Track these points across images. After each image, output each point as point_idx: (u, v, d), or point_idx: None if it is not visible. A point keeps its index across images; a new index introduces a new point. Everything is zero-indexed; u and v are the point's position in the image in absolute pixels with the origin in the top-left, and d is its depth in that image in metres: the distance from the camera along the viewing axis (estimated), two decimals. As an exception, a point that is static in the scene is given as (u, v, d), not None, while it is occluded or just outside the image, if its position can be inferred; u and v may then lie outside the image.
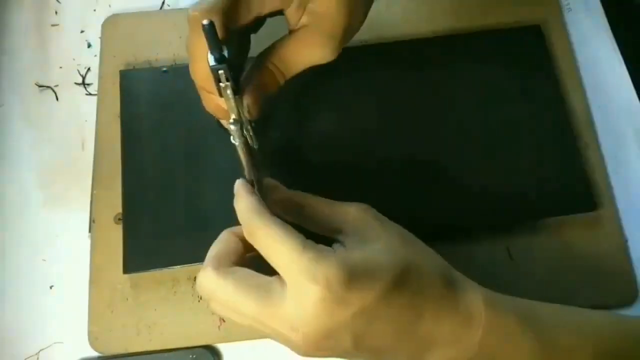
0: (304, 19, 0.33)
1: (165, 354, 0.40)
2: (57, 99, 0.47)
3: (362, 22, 0.35)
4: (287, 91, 0.43)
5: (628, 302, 0.41)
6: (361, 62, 0.46)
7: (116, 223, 0.42)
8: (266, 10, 0.32)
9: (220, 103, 0.33)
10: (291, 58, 0.33)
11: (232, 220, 0.41)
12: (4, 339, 0.41)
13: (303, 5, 0.33)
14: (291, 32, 0.34)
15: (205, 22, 0.26)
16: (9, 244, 0.43)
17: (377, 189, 0.42)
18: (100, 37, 0.48)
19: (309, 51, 0.33)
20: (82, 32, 0.50)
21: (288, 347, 0.31)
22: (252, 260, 0.32)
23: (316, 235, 0.32)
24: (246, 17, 0.32)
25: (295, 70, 0.34)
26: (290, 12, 0.33)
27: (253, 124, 0.32)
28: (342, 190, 0.42)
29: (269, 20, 0.35)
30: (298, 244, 0.28)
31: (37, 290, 0.42)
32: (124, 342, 0.40)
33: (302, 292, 0.27)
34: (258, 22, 0.34)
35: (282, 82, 0.34)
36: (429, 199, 0.42)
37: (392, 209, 0.41)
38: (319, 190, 0.41)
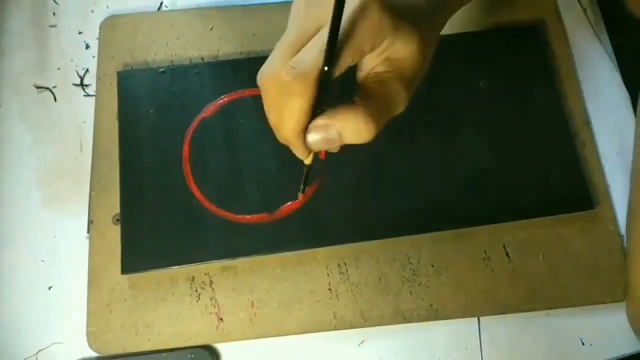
0: (380, 67, 0.31)
1: (164, 354, 0.40)
2: (55, 100, 0.47)
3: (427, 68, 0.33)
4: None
5: (624, 299, 0.41)
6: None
7: (114, 224, 0.42)
8: (355, 60, 0.30)
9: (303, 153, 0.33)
10: (380, 106, 0.31)
11: (229, 220, 0.41)
12: (3, 340, 0.41)
13: (383, 52, 0.30)
14: (367, 81, 0.31)
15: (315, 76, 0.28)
16: (7, 244, 0.43)
17: (376, 188, 0.42)
18: (98, 38, 0.48)
19: (393, 97, 0.31)
20: (80, 33, 0.50)
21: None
22: None
23: None
24: (335, 75, 0.30)
25: (384, 121, 0.31)
26: (369, 60, 0.31)
27: None
28: (344, 188, 0.42)
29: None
30: None
31: (36, 290, 0.42)
32: (122, 342, 0.40)
33: None
34: None
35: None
36: (426, 198, 0.42)
37: (391, 207, 0.42)
38: (322, 187, 0.42)
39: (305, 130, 0.31)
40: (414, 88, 0.32)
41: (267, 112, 0.31)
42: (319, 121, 0.30)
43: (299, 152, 0.33)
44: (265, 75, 0.30)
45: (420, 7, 0.32)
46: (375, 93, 0.31)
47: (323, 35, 0.28)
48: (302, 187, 0.39)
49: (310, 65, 0.28)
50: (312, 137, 0.30)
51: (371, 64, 0.31)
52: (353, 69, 0.31)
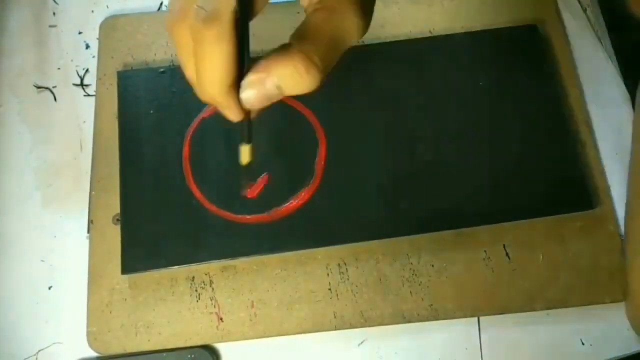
0: None
1: (164, 354, 0.40)
2: (55, 100, 0.47)
3: None
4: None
5: (624, 299, 0.41)
6: (358, 62, 0.46)
7: (114, 224, 0.42)
8: None
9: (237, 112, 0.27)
10: (325, 43, 0.25)
11: (229, 220, 0.41)
12: (3, 340, 0.41)
13: None
14: (309, 10, 0.26)
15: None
16: (7, 244, 0.43)
17: (376, 188, 0.42)
18: (98, 38, 0.48)
19: (342, 27, 0.26)
20: (80, 33, 0.50)
21: None
22: None
23: None
24: (258, 9, 0.26)
25: (332, 60, 0.26)
26: None
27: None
28: (344, 188, 0.42)
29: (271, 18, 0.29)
30: None
31: (36, 290, 0.42)
32: (122, 342, 0.40)
33: None
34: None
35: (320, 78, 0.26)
36: (426, 198, 0.42)
37: (391, 207, 0.42)
38: (322, 187, 0.42)
39: (231, 86, 0.25)
40: (370, 9, 0.27)
41: (182, 66, 0.26)
42: (252, 76, 0.25)
43: (231, 114, 0.27)
44: (173, 20, 0.24)
45: None
46: (318, 28, 0.25)
47: None
48: (242, 184, 0.36)
49: (222, 3, 0.23)
50: (247, 95, 0.25)
51: None
52: None
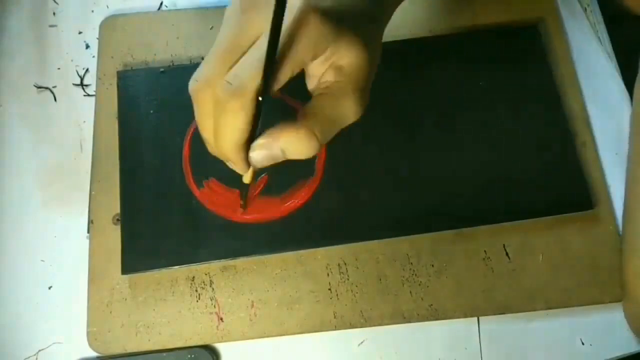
0: (328, 75, 0.30)
1: (164, 354, 0.40)
2: (55, 100, 0.47)
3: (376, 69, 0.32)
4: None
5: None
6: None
7: (114, 224, 0.42)
8: (295, 72, 0.29)
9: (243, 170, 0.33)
10: (325, 120, 0.30)
11: (229, 220, 0.41)
12: (3, 340, 0.41)
13: (328, 59, 0.30)
14: (315, 93, 0.31)
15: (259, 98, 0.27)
16: (7, 244, 0.43)
17: (376, 188, 0.42)
18: (98, 38, 0.48)
19: (342, 110, 0.30)
20: (80, 33, 0.50)
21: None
22: None
23: None
24: (274, 89, 0.29)
25: (330, 134, 0.30)
26: (314, 68, 0.30)
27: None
28: (344, 188, 0.42)
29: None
30: None
31: (36, 290, 0.42)
32: (122, 342, 0.40)
33: None
34: None
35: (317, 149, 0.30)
36: (426, 198, 0.42)
37: (391, 207, 0.42)
38: (322, 186, 0.42)
39: (243, 146, 0.30)
40: (367, 96, 0.31)
41: (199, 125, 0.30)
42: (262, 140, 0.29)
43: (237, 168, 0.32)
44: (199, 88, 0.29)
45: (360, 12, 0.31)
46: (321, 108, 0.30)
47: (261, 46, 0.27)
48: (242, 203, 0.40)
49: (248, 81, 0.27)
50: (256, 156, 0.30)
51: (318, 71, 0.30)
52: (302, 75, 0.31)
